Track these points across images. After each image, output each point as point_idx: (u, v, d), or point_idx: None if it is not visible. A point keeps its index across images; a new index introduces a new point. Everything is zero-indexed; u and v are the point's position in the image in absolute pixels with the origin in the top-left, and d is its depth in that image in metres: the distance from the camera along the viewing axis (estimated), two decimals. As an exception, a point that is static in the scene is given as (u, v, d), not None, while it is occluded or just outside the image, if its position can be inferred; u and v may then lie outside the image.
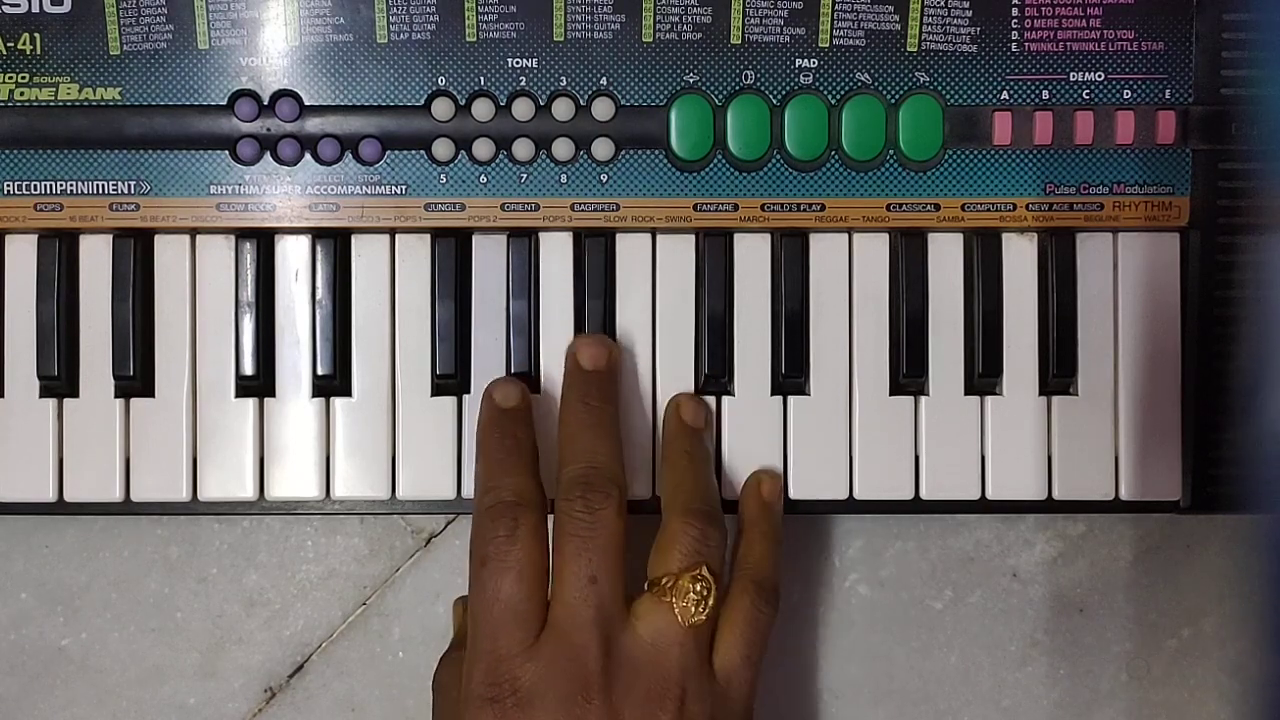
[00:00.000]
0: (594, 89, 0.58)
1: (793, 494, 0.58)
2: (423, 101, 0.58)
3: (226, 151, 0.58)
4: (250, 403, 0.58)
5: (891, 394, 0.59)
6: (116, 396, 0.58)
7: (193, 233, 0.58)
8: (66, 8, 0.57)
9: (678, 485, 0.55)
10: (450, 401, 0.58)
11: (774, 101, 0.58)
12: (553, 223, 0.58)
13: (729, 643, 0.54)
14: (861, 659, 0.63)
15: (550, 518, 0.54)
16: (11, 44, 0.57)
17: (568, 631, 0.52)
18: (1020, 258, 0.59)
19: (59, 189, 0.58)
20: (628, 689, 0.52)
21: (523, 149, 0.58)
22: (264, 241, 0.58)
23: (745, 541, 0.56)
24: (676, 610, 0.52)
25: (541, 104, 0.58)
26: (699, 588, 0.53)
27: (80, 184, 0.58)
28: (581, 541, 0.53)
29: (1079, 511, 0.60)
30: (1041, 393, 0.59)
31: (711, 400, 0.59)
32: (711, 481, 0.56)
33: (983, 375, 0.58)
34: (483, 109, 0.58)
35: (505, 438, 0.55)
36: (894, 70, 0.58)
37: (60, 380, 0.58)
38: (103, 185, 0.58)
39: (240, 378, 0.58)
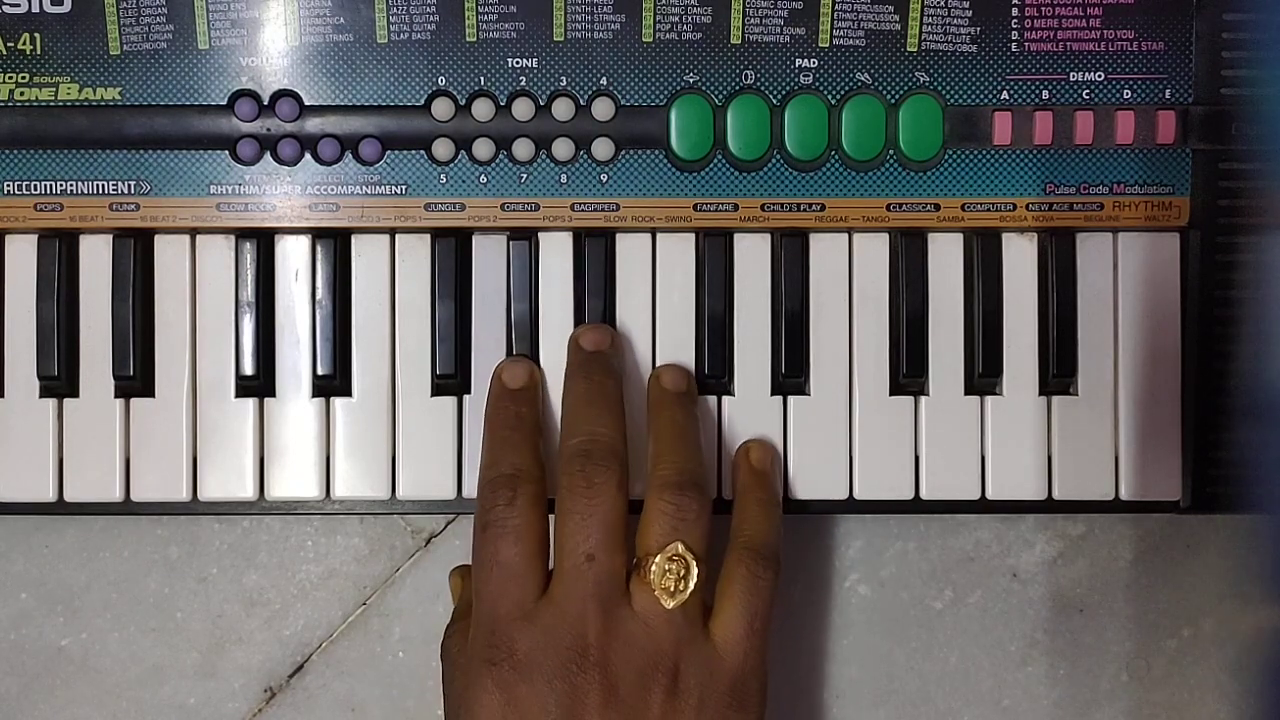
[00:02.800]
0: (594, 89, 0.58)
1: (793, 494, 0.58)
2: (423, 101, 0.58)
3: (226, 151, 0.58)
4: (250, 403, 0.58)
5: (891, 394, 0.59)
6: (116, 396, 0.58)
7: (193, 233, 0.58)
8: (66, 8, 0.57)
9: (657, 455, 0.55)
10: (450, 401, 0.58)
11: (774, 101, 0.58)
12: (553, 223, 0.58)
13: (728, 613, 0.54)
14: (861, 659, 0.63)
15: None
16: (11, 44, 0.57)
17: (565, 603, 0.53)
18: (1020, 258, 0.59)
19: (59, 189, 0.58)
20: (623, 662, 0.52)
21: (523, 149, 0.58)
22: (264, 241, 0.58)
23: (739, 509, 0.56)
24: (656, 593, 0.53)
25: (541, 104, 0.58)
26: (674, 567, 0.53)
27: (80, 184, 0.58)
28: (581, 518, 0.53)
29: (1079, 511, 0.60)
30: (1041, 393, 0.59)
31: (712, 400, 0.59)
32: (694, 448, 0.56)
33: (983, 375, 0.58)
34: (483, 109, 0.58)
35: (509, 416, 0.56)
36: (894, 70, 0.58)
37: (60, 380, 0.58)
38: (103, 185, 0.58)
39: (240, 378, 0.58)
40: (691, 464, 0.55)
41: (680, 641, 0.53)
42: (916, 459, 0.59)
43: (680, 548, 0.53)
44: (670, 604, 0.53)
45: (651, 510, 0.54)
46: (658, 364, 0.58)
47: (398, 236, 0.58)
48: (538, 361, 0.58)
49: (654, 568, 0.53)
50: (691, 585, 0.53)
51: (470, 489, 0.58)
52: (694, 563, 0.53)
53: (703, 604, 0.54)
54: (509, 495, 0.54)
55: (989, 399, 0.59)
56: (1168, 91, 0.58)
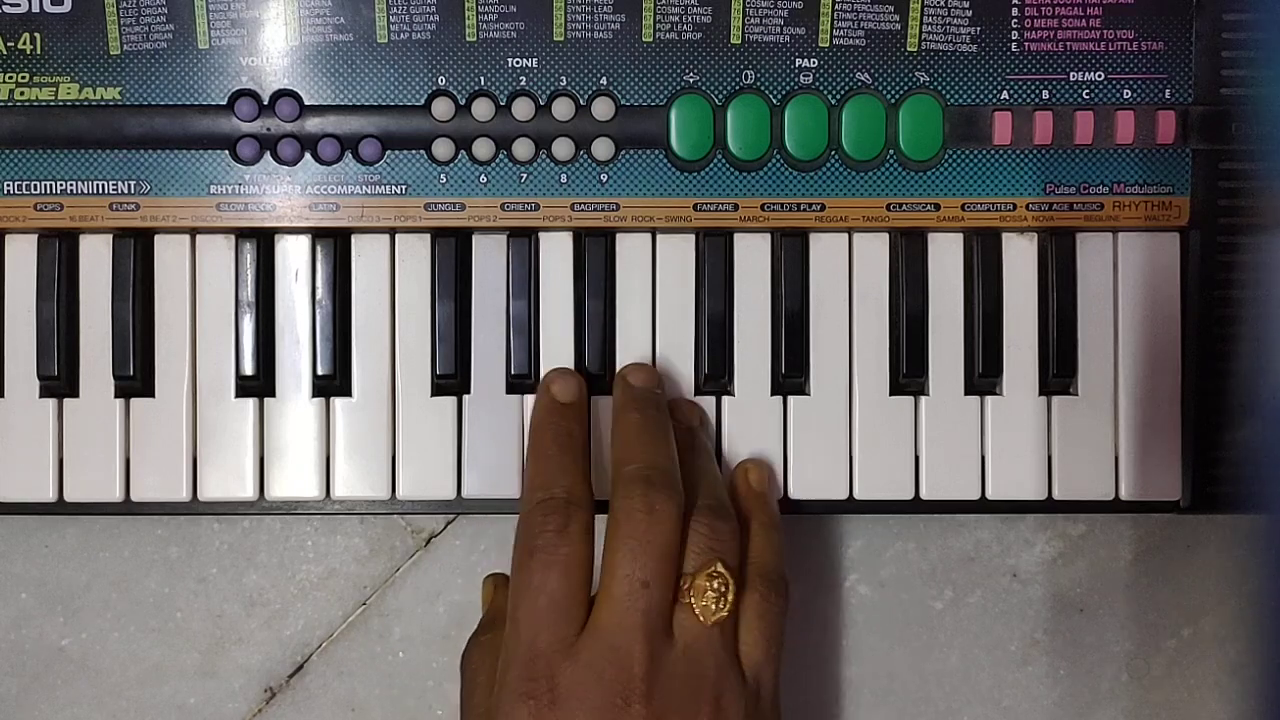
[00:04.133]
0: (594, 89, 0.58)
1: (793, 494, 0.58)
2: (423, 101, 0.58)
3: (226, 151, 0.58)
4: (250, 403, 0.58)
5: (891, 394, 0.59)
6: (116, 396, 0.58)
7: (193, 233, 0.58)
8: (66, 8, 0.57)
9: (686, 486, 0.55)
10: (450, 401, 0.58)
11: (774, 101, 0.58)
12: (553, 223, 0.58)
13: (749, 641, 0.54)
14: (861, 659, 0.63)
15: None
16: (11, 44, 0.57)
17: (612, 633, 0.51)
18: (1020, 258, 0.59)
19: (59, 189, 0.58)
20: (666, 694, 0.51)
21: (523, 149, 0.58)
22: (264, 241, 0.58)
23: (743, 536, 0.56)
24: (698, 610, 0.52)
25: (541, 104, 0.58)
26: (716, 584, 0.52)
27: (80, 184, 0.58)
28: (639, 544, 0.52)
29: (1079, 511, 0.60)
30: (1041, 393, 0.59)
31: (711, 400, 0.59)
32: (714, 475, 0.56)
33: (983, 375, 0.58)
34: (483, 109, 0.58)
35: (560, 434, 0.55)
36: (894, 70, 0.58)
37: (60, 380, 0.58)
38: (103, 185, 0.58)
39: (240, 378, 0.58)
40: (722, 495, 0.55)
41: (721, 669, 0.52)
42: (916, 459, 0.59)
43: (720, 566, 0.52)
44: (710, 620, 0.52)
45: (688, 532, 0.53)
46: (658, 366, 0.58)
47: (398, 236, 0.58)
48: (538, 362, 0.58)
49: (695, 586, 0.52)
50: (730, 602, 0.52)
51: (470, 489, 0.58)
52: (733, 581, 0.53)
53: (735, 628, 0.53)
54: (560, 522, 0.52)
55: (989, 399, 0.59)
56: (1168, 91, 0.58)
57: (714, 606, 0.52)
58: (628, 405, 0.56)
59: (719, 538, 0.53)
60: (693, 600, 0.52)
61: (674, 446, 0.55)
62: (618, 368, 0.58)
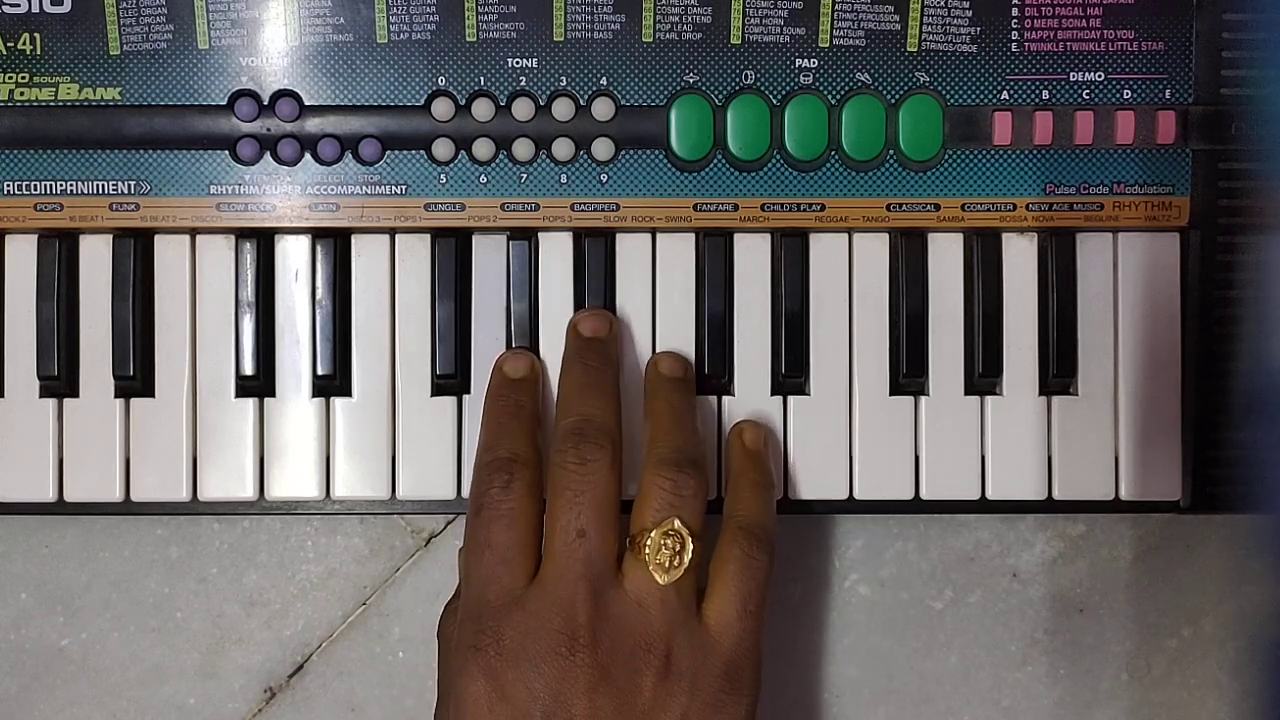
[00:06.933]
0: (594, 89, 0.58)
1: (793, 494, 0.58)
2: (423, 101, 0.58)
3: (226, 151, 0.58)
4: (250, 403, 0.58)
5: (891, 394, 0.59)
6: (116, 396, 0.58)
7: (193, 233, 0.58)
8: (66, 8, 0.57)
9: (654, 437, 0.55)
10: (450, 401, 0.58)
11: (774, 101, 0.58)
12: (553, 223, 0.58)
13: (721, 595, 0.54)
14: (861, 659, 0.63)
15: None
16: (11, 44, 0.57)
17: (555, 584, 0.52)
18: (1020, 258, 0.59)
19: (59, 189, 0.58)
20: (614, 644, 0.52)
21: (523, 149, 0.58)
22: (264, 241, 0.58)
23: (732, 490, 0.56)
24: (651, 568, 0.52)
25: (541, 104, 0.58)
26: (670, 543, 0.52)
27: (80, 184, 0.58)
28: (573, 494, 0.53)
29: (1079, 511, 0.60)
30: (1041, 393, 0.59)
31: (712, 400, 0.59)
32: (690, 430, 0.56)
33: (983, 375, 0.59)
34: (483, 109, 0.58)
35: (509, 403, 0.56)
36: (894, 70, 0.58)
37: (60, 380, 0.58)
38: (103, 185, 0.58)
39: (240, 378, 0.58)
40: (688, 444, 0.55)
41: (673, 623, 0.52)
42: (916, 459, 0.59)
43: (677, 523, 0.53)
44: (664, 580, 0.52)
45: (648, 487, 0.54)
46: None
47: (398, 236, 0.58)
48: (538, 361, 0.58)
49: (649, 543, 0.53)
50: (686, 562, 0.53)
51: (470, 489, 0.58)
52: (689, 539, 0.53)
53: (696, 585, 0.54)
54: (505, 479, 0.54)
55: (989, 399, 0.59)
56: (1168, 91, 0.58)
57: (667, 564, 0.52)
58: (573, 358, 0.57)
59: (679, 491, 0.53)
60: (646, 557, 0.53)
61: (614, 398, 0.56)
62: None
